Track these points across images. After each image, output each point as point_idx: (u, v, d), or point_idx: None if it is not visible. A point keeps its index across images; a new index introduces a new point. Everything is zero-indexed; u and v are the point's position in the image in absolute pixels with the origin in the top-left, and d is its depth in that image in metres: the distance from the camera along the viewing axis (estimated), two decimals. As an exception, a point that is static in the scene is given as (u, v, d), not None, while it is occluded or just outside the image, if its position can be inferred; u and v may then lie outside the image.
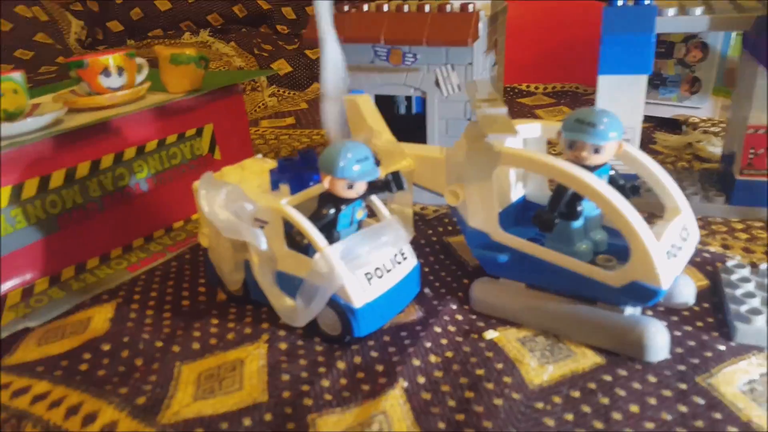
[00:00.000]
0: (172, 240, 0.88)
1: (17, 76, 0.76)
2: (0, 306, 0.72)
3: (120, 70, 0.87)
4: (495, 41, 0.99)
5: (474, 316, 0.66)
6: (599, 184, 0.55)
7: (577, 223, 0.61)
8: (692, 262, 0.73)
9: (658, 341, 0.57)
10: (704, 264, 0.73)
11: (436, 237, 0.86)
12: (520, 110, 1.50)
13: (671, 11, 0.81)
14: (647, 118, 1.27)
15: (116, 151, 0.84)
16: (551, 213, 0.60)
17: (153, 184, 0.89)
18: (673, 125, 1.25)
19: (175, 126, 0.92)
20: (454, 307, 0.68)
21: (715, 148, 1.09)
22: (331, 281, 0.58)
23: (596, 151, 0.59)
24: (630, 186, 0.63)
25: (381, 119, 0.78)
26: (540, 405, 0.53)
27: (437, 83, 0.89)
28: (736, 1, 0.85)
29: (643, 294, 0.55)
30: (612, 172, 0.62)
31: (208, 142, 0.97)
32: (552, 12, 1.67)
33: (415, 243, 0.83)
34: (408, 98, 1.12)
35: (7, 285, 0.74)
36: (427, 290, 0.72)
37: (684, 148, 1.13)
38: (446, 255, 0.81)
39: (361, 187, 0.60)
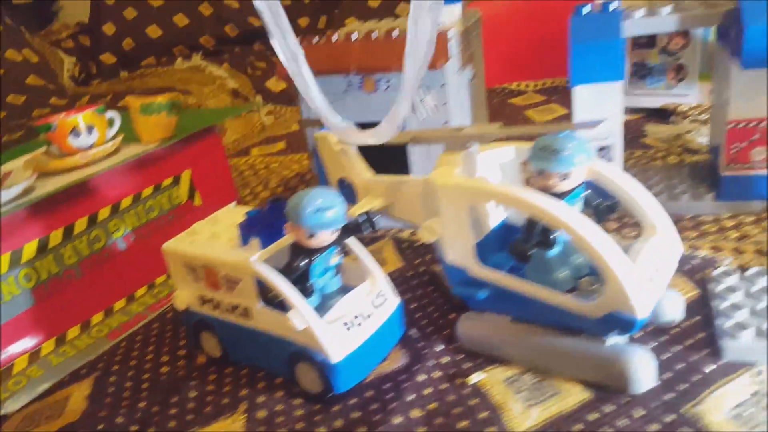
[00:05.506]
0: (154, 297, 0.86)
1: (-19, 151, 0.75)
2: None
3: (90, 128, 0.86)
4: (470, 55, 0.97)
5: (461, 357, 0.64)
6: (567, 214, 0.53)
7: (553, 251, 0.59)
8: (681, 271, 0.71)
9: (643, 372, 0.55)
10: (694, 272, 0.71)
11: (424, 266, 0.83)
12: (510, 112, 1.46)
13: (639, 13, 0.79)
14: (637, 110, 1.25)
15: (89, 213, 0.82)
16: (526, 244, 0.58)
17: (131, 241, 0.88)
18: (663, 115, 1.22)
19: (151, 178, 0.91)
20: (440, 348, 0.66)
21: (704, 138, 1.07)
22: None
23: (564, 177, 0.57)
24: (605, 205, 0.60)
25: (357, 154, 0.76)
26: (524, 455, 0.51)
27: (413, 107, 0.87)
28: (706, -2, 0.83)
29: (622, 325, 0.53)
30: (587, 192, 0.60)
31: (187, 189, 0.96)
32: (535, 5, 1.62)
33: (402, 275, 0.81)
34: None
35: (-16, 368, 0.71)
36: (413, 331, 0.69)
37: (674, 140, 1.10)
38: (435, 286, 0.78)
39: (325, 237, 0.58)
